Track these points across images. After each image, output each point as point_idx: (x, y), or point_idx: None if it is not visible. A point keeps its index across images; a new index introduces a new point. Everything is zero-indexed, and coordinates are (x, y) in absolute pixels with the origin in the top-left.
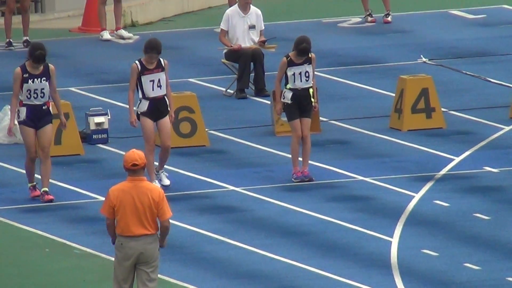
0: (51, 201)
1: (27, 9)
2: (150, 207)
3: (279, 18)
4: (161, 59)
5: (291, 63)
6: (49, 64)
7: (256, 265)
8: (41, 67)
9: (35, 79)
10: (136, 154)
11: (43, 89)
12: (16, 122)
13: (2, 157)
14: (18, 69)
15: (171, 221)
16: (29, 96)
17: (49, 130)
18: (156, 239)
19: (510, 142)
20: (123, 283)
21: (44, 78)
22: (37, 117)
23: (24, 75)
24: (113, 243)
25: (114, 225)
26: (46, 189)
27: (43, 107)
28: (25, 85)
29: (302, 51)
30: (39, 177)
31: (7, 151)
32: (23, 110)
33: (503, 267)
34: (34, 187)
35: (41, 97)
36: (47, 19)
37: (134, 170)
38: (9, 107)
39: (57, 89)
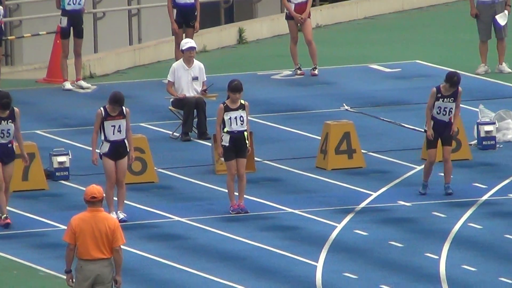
0: (8, 225)
1: (0, 60)
2: (107, 234)
3: (219, 71)
4: (124, 108)
5: (227, 109)
6: (14, 108)
7: (198, 286)
8: (7, 111)
9: (2, 121)
10: (95, 189)
11: (9, 129)
12: None
13: None
14: None
15: (124, 247)
16: None
17: (11, 166)
18: (111, 263)
19: (420, 179)
20: None
21: (10, 120)
22: (4, 154)
23: None
24: (66, 272)
25: (74, 250)
26: (6, 215)
27: (8, 145)
28: None
29: (233, 89)
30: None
31: None
32: None
33: None
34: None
35: (7, 136)
36: (16, 71)
37: (93, 202)
38: None
39: (25, 131)
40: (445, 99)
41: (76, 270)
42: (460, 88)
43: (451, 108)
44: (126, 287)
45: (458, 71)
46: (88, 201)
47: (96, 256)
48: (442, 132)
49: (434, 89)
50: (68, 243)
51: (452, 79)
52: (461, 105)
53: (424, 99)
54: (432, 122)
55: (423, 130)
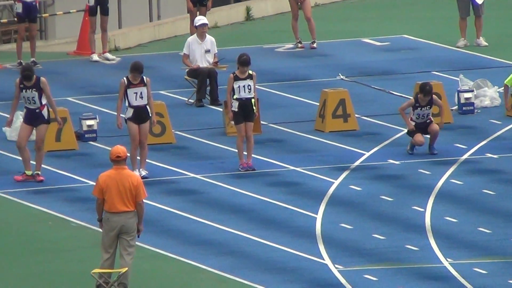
0: (41, 181)
1: (34, 36)
2: (130, 189)
3: (229, 45)
4: (144, 77)
5: (236, 78)
6: (40, 78)
7: (211, 235)
8: (33, 81)
9: (28, 90)
10: (120, 149)
11: (33, 97)
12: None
13: (7, 147)
14: (17, 80)
15: (146, 201)
16: (26, 102)
17: (42, 129)
18: (135, 215)
19: (407, 140)
20: (109, 248)
21: (34, 89)
22: (33, 118)
23: (21, 86)
24: (99, 220)
25: (103, 204)
26: (39, 172)
27: (36, 110)
28: (21, 94)
29: (243, 63)
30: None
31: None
32: (24, 113)
33: (402, 237)
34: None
35: (33, 103)
36: (50, 44)
37: (118, 161)
38: (20, 112)
39: (57, 98)
40: (423, 108)
41: (103, 221)
42: (434, 96)
43: (429, 114)
44: (148, 236)
45: (431, 80)
46: (113, 160)
47: (121, 209)
48: (425, 129)
49: (413, 99)
50: (97, 198)
51: (425, 89)
52: (443, 74)
53: (410, 69)
54: (413, 122)
55: (406, 132)
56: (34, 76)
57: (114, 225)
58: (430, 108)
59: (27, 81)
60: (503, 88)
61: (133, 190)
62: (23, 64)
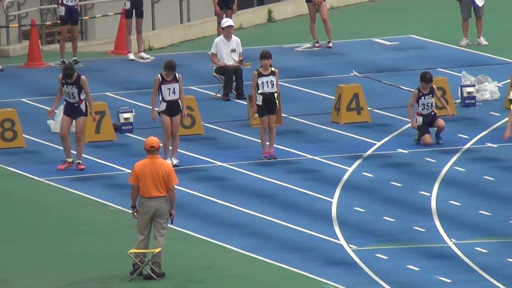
0: (82, 169)
1: (75, 37)
2: (163, 176)
3: (252, 44)
4: (176, 74)
5: (260, 75)
6: (81, 76)
7: (236, 217)
8: (73, 78)
9: (68, 86)
10: (153, 140)
11: (73, 93)
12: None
13: (51, 139)
14: (60, 76)
15: (177, 187)
16: (66, 96)
17: (80, 121)
18: (167, 200)
19: (415, 132)
20: (144, 230)
21: (74, 86)
22: (72, 111)
23: (62, 81)
24: (132, 207)
25: (138, 190)
26: (79, 161)
27: (75, 104)
28: (63, 88)
29: (263, 56)
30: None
31: (55, 136)
32: (63, 105)
33: (410, 219)
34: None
35: (73, 98)
36: (90, 45)
37: (151, 150)
38: (62, 106)
39: (97, 93)
40: (425, 96)
41: (138, 205)
42: (434, 86)
43: (432, 103)
44: (179, 219)
45: (428, 72)
46: (147, 150)
47: (155, 195)
48: (431, 122)
49: (416, 90)
50: (132, 185)
51: (426, 77)
52: (447, 71)
53: (417, 66)
54: (421, 118)
55: (411, 126)
56: (75, 74)
57: (149, 209)
58: (432, 96)
59: (68, 79)
60: (501, 83)
61: (166, 177)
62: (66, 62)
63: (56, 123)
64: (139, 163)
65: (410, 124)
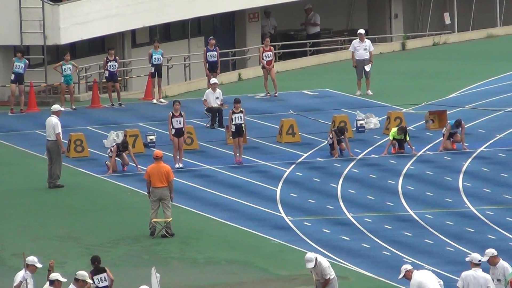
0: (125, 170)
1: (118, 90)
2: (165, 174)
3: (229, 94)
4: (181, 111)
5: (233, 112)
6: (128, 146)
7: (219, 200)
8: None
9: (122, 152)
10: (158, 152)
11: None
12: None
13: (105, 151)
14: (115, 147)
15: (179, 180)
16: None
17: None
18: (168, 189)
19: (328, 147)
20: (153, 207)
21: (126, 151)
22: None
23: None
24: (148, 193)
25: (150, 183)
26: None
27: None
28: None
29: (236, 101)
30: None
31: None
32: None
33: (325, 202)
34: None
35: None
36: (129, 94)
37: (157, 158)
38: (114, 132)
39: (133, 123)
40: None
41: (151, 192)
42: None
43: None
44: (182, 200)
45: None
46: (154, 158)
47: (160, 185)
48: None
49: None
50: (147, 180)
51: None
52: (348, 110)
53: (329, 107)
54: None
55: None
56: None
57: (156, 194)
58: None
59: (124, 150)
60: (381, 118)
61: (166, 174)
62: (113, 105)
63: (107, 142)
64: (150, 166)
65: (325, 143)
